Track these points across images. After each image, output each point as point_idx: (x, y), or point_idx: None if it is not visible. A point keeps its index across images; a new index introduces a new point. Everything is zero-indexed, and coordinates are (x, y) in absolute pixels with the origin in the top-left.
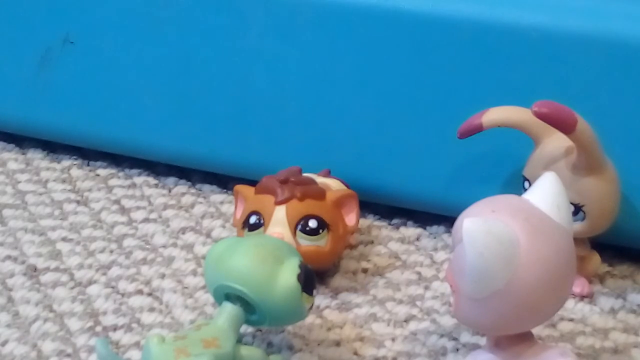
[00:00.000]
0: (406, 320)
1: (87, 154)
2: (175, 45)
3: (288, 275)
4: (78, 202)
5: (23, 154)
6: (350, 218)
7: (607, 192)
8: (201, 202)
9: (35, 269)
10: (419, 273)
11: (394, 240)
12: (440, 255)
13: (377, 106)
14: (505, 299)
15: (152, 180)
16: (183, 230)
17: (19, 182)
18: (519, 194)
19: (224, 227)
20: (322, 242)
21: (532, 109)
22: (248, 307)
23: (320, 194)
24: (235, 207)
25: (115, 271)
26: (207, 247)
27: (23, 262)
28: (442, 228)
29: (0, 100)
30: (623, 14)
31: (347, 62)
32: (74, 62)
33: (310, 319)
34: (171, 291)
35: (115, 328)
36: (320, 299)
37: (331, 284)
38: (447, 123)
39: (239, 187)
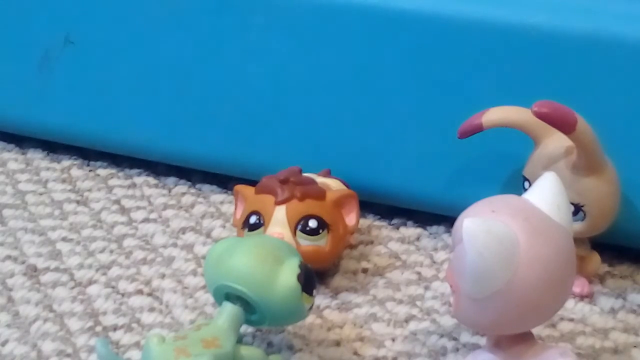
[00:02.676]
0: (406, 320)
1: (87, 154)
2: (175, 45)
3: (288, 275)
4: (78, 202)
5: (23, 154)
6: (350, 218)
7: (607, 192)
8: (201, 202)
9: (35, 269)
10: (419, 273)
11: (394, 240)
12: (440, 255)
13: (377, 106)
14: (505, 299)
15: (152, 180)
16: (183, 230)
17: (19, 182)
18: (519, 194)
19: (224, 227)
20: (322, 242)
21: (532, 109)
22: (248, 307)
23: (320, 194)
24: (235, 207)
25: (115, 271)
26: (207, 247)
27: (23, 262)
28: (442, 228)
29: (0, 100)
30: (623, 14)
31: (348, 62)
32: (74, 62)
33: (310, 319)
34: (171, 291)
35: (115, 328)
36: (320, 299)
37: (331, 284)
38: (447, 123)
39: (239, 187)
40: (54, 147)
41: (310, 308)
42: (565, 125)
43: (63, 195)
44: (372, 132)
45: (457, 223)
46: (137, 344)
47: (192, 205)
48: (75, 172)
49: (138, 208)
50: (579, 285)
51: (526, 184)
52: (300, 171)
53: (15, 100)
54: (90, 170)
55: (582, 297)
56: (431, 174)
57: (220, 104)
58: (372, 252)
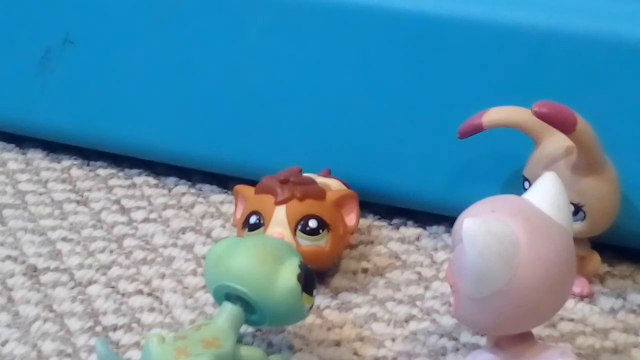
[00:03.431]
0: (406, 320)
1: (87, 154)
2: (175, 45)
3: (288, 275)
4: (78, 202)
5: (23, 154)
6: (350, 218)
7: (607, 192)
8: (201, 202)
9: (35, 269)
10: (419, 273)
11: (394, 240)
12: (440, 255)
13: (377, 106)
14: (506, 299)
15: (152, 180)
16: (183, 230)
17: (19, 182)
18: (519, 194)
19: (224, 227)
20: (322, 242)
21: (532, 109)
22: (248, 307)
23: (320, 194)
24: (235, 207)
25: (115, 271)
26: (207, 247)
27: (23, 262)
28: (442, 228)
29: (0, 100)
30: (623, 14)
31: (347, 62)
32: (74, 62)
33: (310, 319)
34: (171, 291)
35: (115, 328)
36: (320, 299)
37: (331, 284)
38: (447, 123)
39: (239, 187)
40: (54, 147)
41: (310, 308)
42: (565, 125)
43: (63, 195)
44: (372, 132)
45: (457, 223)
46: (137, 344)
47: (192, 205)
48: (75, 172)
49: (138, 208)
50: (579, 285)
51: (526, 184)
52: (300, 171)
53: (15, 100)
54: (90, 170)
55: (582, 297)
56: (431, 174)
57: (220, 104)
58: (372, 252)
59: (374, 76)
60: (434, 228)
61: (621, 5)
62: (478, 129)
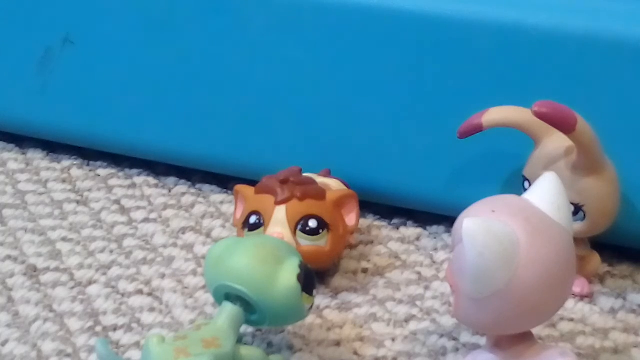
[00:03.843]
0: (406, 320)
1: (87, 154)
2: (175, 45)
3: (288, 275)
4: (78, 202)
5: (23, 154)
6: (350, 218)
7: (607, 192)
8: (201, 202)
9: (35, 269)
10: (419, 273)
11: (394, 240)
12: (440, 255)
13: (377, 106)
14: (506, 299)
15: (152, 180)
16: (183, 230)
17: (19, 182)
18: (519, 194)
19: (224, 227)
20: (322, 242)
21: (532, 109)
22: (248, 307)
23: (320, 194)
24: (235, 207)
25: (115, 271)
26: (207, 247)
27: (23, 262)
28: (442, 228)
29: (0, 100)
30: (623, 14)
31: (347, 62)
32: (74, 62)
33: (310, 319)
34: (171, 291)
35: (115, 328)
36: (320, 299)
37: (331, 284)
38: (447, 123)
39: (239, 187)
40: (54, 147)
41: (310, 308)
42: (565, 125)
43: (63, 195)
44: (372, 132)
45: (457, 223)
46: (137, 344)
47: (192, 205)
48: (75, 172)
49: (138, 208)
50: (579, 285)
51: (526, 184)
52: (300, 171)
53: (15, 100)
54: (90, 170)
55: (582, 297)
56: (431, 174)
57: (220, 104)
58: (372, 252)
59: (374, 76)
60: (434, 228)
61: (621, 5)
62: (478, 129)
